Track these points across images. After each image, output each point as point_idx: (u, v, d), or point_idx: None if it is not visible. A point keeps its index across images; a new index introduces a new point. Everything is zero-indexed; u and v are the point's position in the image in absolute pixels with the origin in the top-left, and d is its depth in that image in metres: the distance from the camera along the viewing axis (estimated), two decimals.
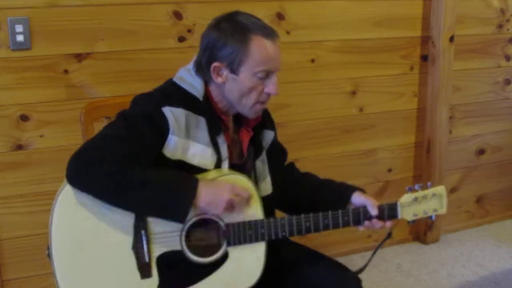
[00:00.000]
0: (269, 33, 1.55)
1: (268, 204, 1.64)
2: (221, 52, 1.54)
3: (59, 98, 2.25)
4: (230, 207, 1.51)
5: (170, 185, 1.46)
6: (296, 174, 1.86)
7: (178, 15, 2.37)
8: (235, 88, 1.57)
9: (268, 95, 1.59)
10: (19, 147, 2.23)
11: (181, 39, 2.38)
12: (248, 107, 1.59)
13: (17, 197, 2.26)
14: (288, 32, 2.60)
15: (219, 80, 1.57)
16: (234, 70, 1.55)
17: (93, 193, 1.45)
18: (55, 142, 2.27)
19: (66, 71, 2.24)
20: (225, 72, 1.56)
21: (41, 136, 2.25)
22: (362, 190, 1.72)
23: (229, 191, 1.49)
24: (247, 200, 1.54)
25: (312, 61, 2.69)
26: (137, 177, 1.43)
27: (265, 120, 1.75)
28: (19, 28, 2.12)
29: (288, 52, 2.61)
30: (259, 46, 1.53)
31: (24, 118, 2.22)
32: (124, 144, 1.46)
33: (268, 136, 1.75)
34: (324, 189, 1.76)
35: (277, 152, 1.81)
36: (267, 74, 1.56)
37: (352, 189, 1.71)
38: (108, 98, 2.25)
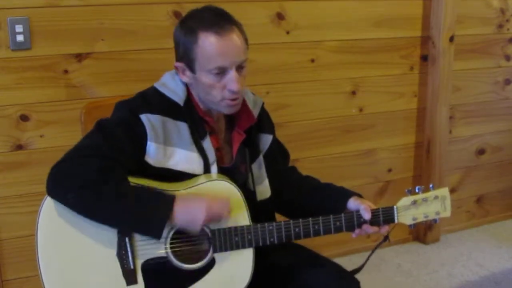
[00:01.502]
0: (218, 29, 1.49)
1: (267, 208, 1.62)
2: (179, 52, 1.55)
3: (59, 98, 2.25)
4: (208, 223, 1.48)
5: (145, 202, 1.43)
6: (295, 177, 1.82)
7: (178, 15, 2.36)
8: (198, 86, 1.55)
9: (231, 91, 1.53)
10: (19, 147, 2.23)
11: None
12: (215, 103, 1.56)
13: (17, 197, 2.26)
14: (288, 32, 2.60)
15: (185, 79, 1.57)
16: (192, 69, 1.53)
17: (68, 205, 1.44)
18: (55, 142, 2.27)
19: (66, 71, 2.24)
20: (187, 71, 1.55)
21: (41, 136, 2.25)
22: (359, 195, 1.67)
23: (205, 210, 1.45)
24: (228, 215, 1.50)
25: (312, 61, 2.69)
26: (110, 192, 1.41)
27: (263, 124, 1.72)
28: (19, 28, 2.12)
29: (288, 52, 2.62)
30: (206, 44, 1.49)
31: (24, 118, 2.22)
32: (101, 153, 1.45)
33: (265, 140, 1.72)
34: (321, 194, 1.71)
35: (276, 155, 1.77)
36: (223, 70, 1.51)
37: (348, 194, 1.66)
38: (108, 98, 2.25)
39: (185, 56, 1.53)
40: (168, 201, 1.44)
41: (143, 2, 2.30)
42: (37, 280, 2.37)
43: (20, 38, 2.13)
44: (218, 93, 1.53)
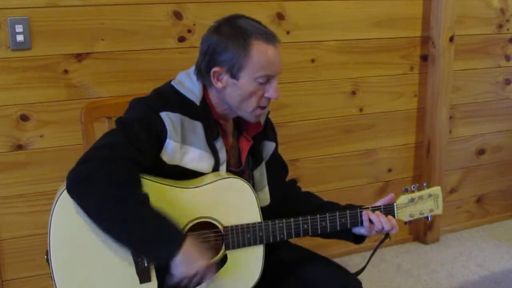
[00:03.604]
0: (270, 38, 1.54)
1: (266, 215, 1.63)
2: (221, 57, 1.53)
3: (59, 98, 2.25)
4: (196, 277, 1.46)
5: (154, 238, 1.42)
6: (299, 191, 1.86)
7: (178, 15, 2.37)
8: (235, 93, 1.56)
9: (269, 99, 1.58)
10: (19, 147, 2.23)
11: (181, 39, 2.38)
12: (248, 111, 1.59)
13: (17, 197, 2.26)
14: (288, 32, 2.60)
15: (219, 85, 1.56)
16: (234, 75, 1.54)
17: (85, 211, 1.43)
18: (55, 142, 2.27)
19: (66, 71, 2.24)
20: (225, 77, 1.55)
21: (41, 136, 2.25)
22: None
23: (202, 266, 1.44)
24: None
25: (312, 61, 2.69)
26: (129, 214, 1.41)
27: (267, 131, 1.74)
28: (19, 28, 2.12)
29: (288, 52, 2.61)
30: (260, 52, 1.52)
31: (24, 118, 2.22)
32: (124, 156, 1.44)
33: (268, 148, 1.74)
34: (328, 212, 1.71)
35: (277, 165, 1.80)
36: (268, 79, 1.55)
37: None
38: (108, 98, 2.25)
39: (229, 62, 1.53)
40: (179, 241, 1.42)
41: (143, 2, 2.30)
42: (37, 280, 2.38)
43: (20, 38, 2.13)
44: (255, 101, 1.56)
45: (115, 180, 1.41)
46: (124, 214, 1.41)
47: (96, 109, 1.88)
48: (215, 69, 1.55)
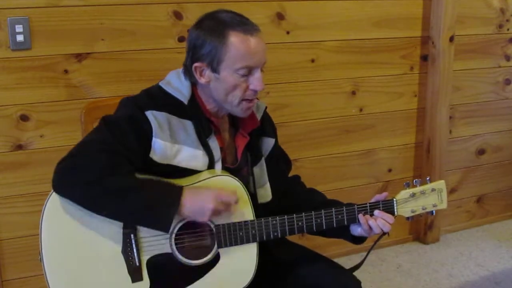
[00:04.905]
0: (247, 28, 1.51)
1: (267, 211, 1.62)
2: (201, 52, 1.53)
3: (59, 98, 2.25)
4: (217, 213, 1.49)
5: (152, 195, 1.44)
6: (303, 188, 1.84)
7: (178, 15, 2.37)
8: (219, 87, 1.54)
9: (254, 91, 1.55)
10: (19, 147, 2.23)
11: (181, 39, 2.38)
12: (234, 105, 1.56)
13: (17, 197, 2.26)
14: (288, 32, 2.60)
15: (203, 80, 1.55)
16: (215, 69, 1.52)
17: (76, 200, 1.44)
18: (55, 142, 2.27)
19: (66, 71, 2.24)
20: (207, 72, 1.54)
21: (41, 136, 2.25)
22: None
23: (213, 199, 1.46)
24: (235, 203, 1.51)
25: (312, 61, 2.69)
26: (117, 186, 1.42)
27: (265, 127, 1.73)
28: (19, 28, 2.12)
29: (288, 52, 2.62)
30: (237, 43, 1.49)
31: (24, 118, 2.22)
32: (107, 149, 1.45)
33: (267, 144, 1.73)
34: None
35: (278, 160, 1.78)
36: (249, 70, 1.53)
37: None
38: (108, 98, 2.25)
39: (209, 56, 1.52)
40: (176, 192, 1.45)
41: (143, 2, 2.30)
42: (37, 280, 2.38)
43: (20, 38, 2.13)
44: (240, 94, 1.54)
45: (102, 168, 1.42)
46: (116, 191, 1.42)
47: (96, 109, 1.88)
48: (197, 64, 1.54)
